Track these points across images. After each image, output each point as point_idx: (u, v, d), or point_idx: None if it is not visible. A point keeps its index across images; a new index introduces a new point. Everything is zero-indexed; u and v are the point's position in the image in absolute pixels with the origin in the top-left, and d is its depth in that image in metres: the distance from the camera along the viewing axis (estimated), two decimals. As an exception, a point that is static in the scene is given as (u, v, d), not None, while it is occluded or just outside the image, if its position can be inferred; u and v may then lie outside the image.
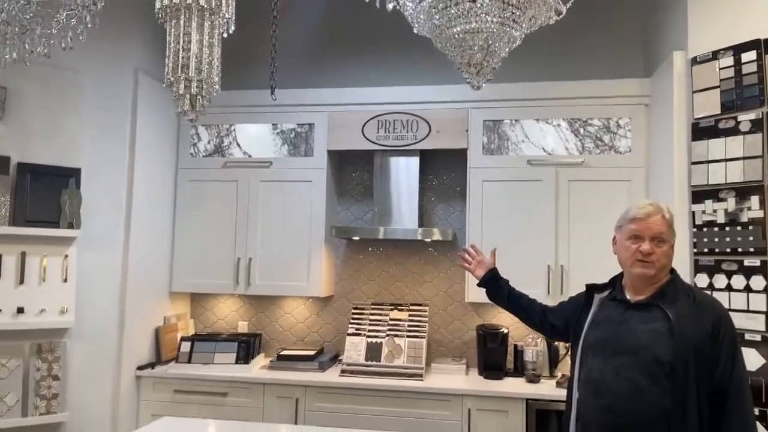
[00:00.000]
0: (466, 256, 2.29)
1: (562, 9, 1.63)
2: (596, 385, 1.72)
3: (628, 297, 1.78)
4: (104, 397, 2.95)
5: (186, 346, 3.26)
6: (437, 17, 1.55)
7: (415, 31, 1.75)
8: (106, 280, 3.01)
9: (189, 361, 3.22)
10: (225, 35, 1.89)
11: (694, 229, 2.52)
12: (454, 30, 1.54)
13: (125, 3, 3.01)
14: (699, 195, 2.51)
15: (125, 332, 3.04)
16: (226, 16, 1.85)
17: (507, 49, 1.61)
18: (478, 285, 2.26)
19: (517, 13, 1.54)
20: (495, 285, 2.21)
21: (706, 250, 2.47)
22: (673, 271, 1.77)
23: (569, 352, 2.08)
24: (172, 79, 1.74)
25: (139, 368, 3.14)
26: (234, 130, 3.49)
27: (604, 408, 1.69)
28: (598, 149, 3.13)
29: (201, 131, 3.52)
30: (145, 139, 3.19)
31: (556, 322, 2.05)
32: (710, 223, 2.46)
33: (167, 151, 3.44)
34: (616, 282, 1.87)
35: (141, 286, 3.18)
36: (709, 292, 2.43)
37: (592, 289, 1.91)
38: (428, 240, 3.36)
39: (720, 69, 2.46)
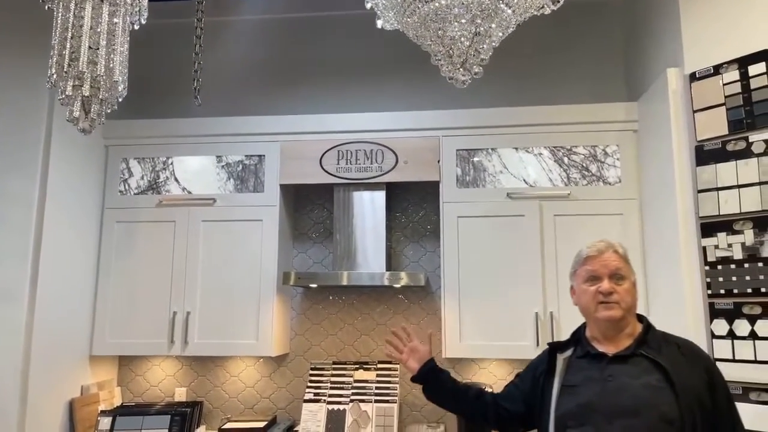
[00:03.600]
0: (395, 340, 1.88)
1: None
2: None
3: (602, 350, 1.56)
4: (-6, 494, 2.34)
5: (105, 423, 2.67)
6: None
7: (379, 24, 1.39)
8: (4, 344, 2.44)
9: (108, 442, 2.63)
10: (137, 26, 1.46)
11: (707, 268, 2.17)
12: (433, 5, 1.17)
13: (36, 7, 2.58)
14: (709, 227, 2.18)
15: (28, 408, 2.44)
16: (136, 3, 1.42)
17: (500, 34, 1.24)
18: (413, 380, 1.84)
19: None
20: (435, 379, 1.81)
21: (722, 291, 2.12)
22: (642, 317, 1.62)
23: None
24: (56, 76, 1.30)
25: (44, 454, 2.53)
26: (172, 163, 3.03)
27: None
28: (585, 180, 2.80)
29: (133, 165, 3.05)
30: (62, 173, 2.69)
31: (514, 408, 1.70)
32: (725, 260, 2.12)
33: (91, 188, 2.93)
34: (579, 336, 1.63)
35: (51, 350, 2.60)
36: (729, 341, 2.07)
37: (555, 348, 1.65)
38: (397, 285, 2.92)
39: (724, 85, 2.18)
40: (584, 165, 2.81)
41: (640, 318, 1.62)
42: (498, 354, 2.73)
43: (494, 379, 2.91)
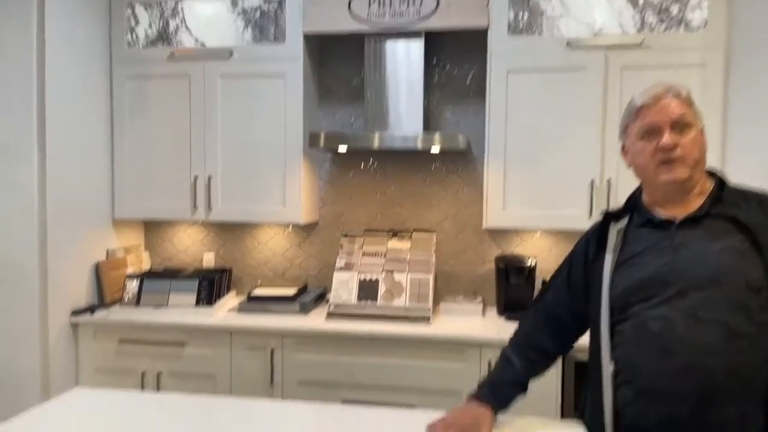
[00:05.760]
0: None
1: None
2: (659, 341, 1.18)
3: (667, 216, 1.29)
4: (30, 350, 2.34)
5: (133, 286, 2.61)
6: None
7: None
8: (18, 203, 2.32)
9: (137, 304, 2.59)
10: None
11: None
12: None
13: None
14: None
15: (50, 268, 2.37)
16: None
17: None
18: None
19: None
20: (505, 401, 1.43)
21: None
22: (713, 172, 1.33)
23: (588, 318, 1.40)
24: None
25: (75, 313, 2.51)
26: (181, 9, 2.68)
27: (679, 371, 1.15)
28: (663, 24, 2.35)
29: (139, 11, 2.71)
30: (60, 22, 2.39)
31: (578, 307, 1.40)
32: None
33: (95, 39, 2.64)
34: (635, 203, 1.34)
35: (69, 211, 2.49)
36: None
37: (609, 218, 1.37)
38: (435, 151, 2.65)
39: None
40: (664, 6, 2.34)
41: (711, 173, 1.32)
42: (545, 224, 2.49)
43: (536, 251, 2.71)
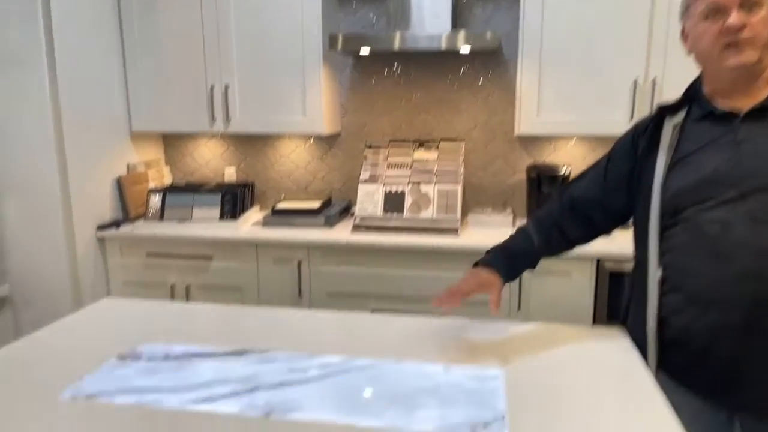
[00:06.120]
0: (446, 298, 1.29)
1: None
2: (715, 246, 1.08)
3: (729, 108, 1.15)
4: (59, 266, 2.35)
5: (156, 201, 2.58)
6: None
7: None
8: (31, 112, 2.25)
9: (161, 219, 2.57)
10: None
11: None
12: None
13: None
14: None
15: (71, 182, 2.34)
16: None
17: None
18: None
19: None
20: (514, 270, 1.35)
21: None
22: None
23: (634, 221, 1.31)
24: None
25: (100, 228, 2.50)
26: None
27: (736, 276, 1.06)
28: None
29: None
30: None
31: (611, 203, 1.31)
32: None
33: (95, -66, 2.44)
34: (695, 94, 1.23)
35: (86, 123, 2.41)
36: None
37: (664, 112, 1.24)
38: (463, 52, 2.46)
39: None
40: None
41: None
42: (581, 130, 2.34)
43: (570, 159, 2.58)
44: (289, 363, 1.16)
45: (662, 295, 1.18)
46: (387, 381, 1.09)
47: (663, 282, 1.18)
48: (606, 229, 1.38)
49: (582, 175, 1.38)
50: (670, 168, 1.18)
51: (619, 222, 1.36)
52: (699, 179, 1.13)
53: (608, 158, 1.33)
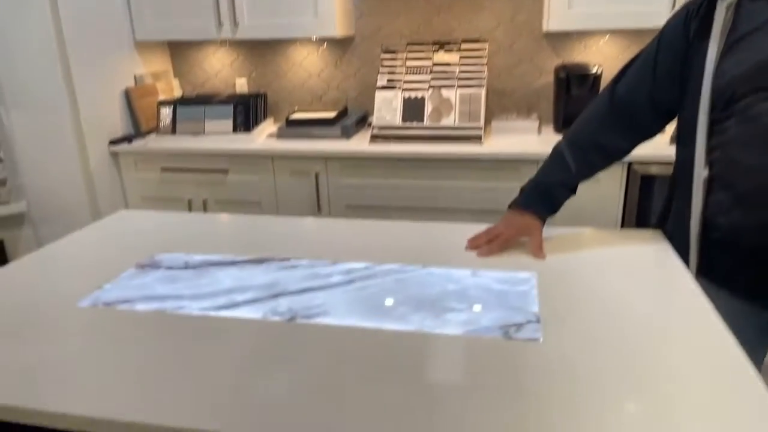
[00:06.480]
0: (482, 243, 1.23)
1: None
2: None
3: None
4: (75, 181, 2.32)
5: (166, 114, 2.49)
6: None
7: None
8: (28, 22, 2.12)
9: (173, 132, 2.49)
10: None
11: None
12: None
13: None
14: None
15: (78, 94, 2.25)
16: None
17: None
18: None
19: None
20: (553, 206, 1.25)
21: None
22: None
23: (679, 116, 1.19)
24: None
25: (112, 142, 2.44)
26: None
27: None
28: None
29: None
30: None
31: (661, 97, 1.16)
32: None
33: None
34: None
35: (88, 31, 2.29)
36: None
37: None
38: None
39: None
40: None
41: None
42: (617, 23, 2.15)
43: (603, 58, 2.40)
44: (311, 269, 1.12)
45: (708, 195, 1.09)
46: (413, 286, 1.05)
47: (710, 181, 1.09)
48: (652, 132, 1.25)
49: (625, 71, 1.23)
50: (724, 53, 1.05)
51: (666, 121, 1.23)
52: (756, 64, 1.01)
53: (657, 46, 1.19)
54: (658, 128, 1.24)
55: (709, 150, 1.08)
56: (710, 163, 1.08)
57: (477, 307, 0.96)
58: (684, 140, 1.16)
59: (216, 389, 0.76)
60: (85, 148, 2.31)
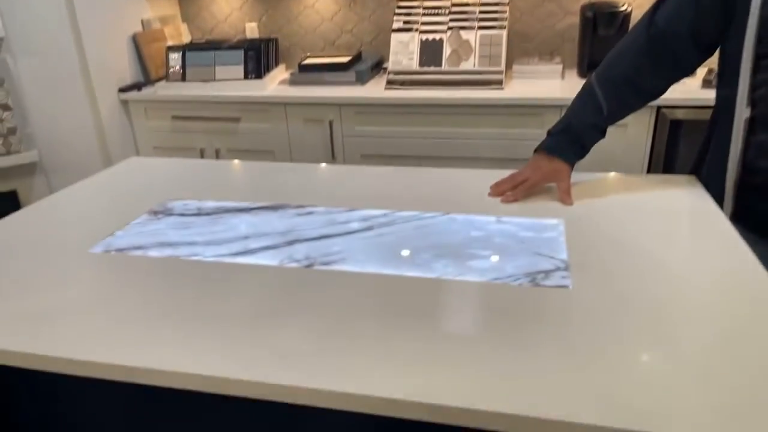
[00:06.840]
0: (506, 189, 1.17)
1: None
2: None
3: None
4: (84, 128, 2.28)
5: (175, 59, 2.42)
6: None
7: None
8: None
9: (183, 79, 2.42)
10: None
11: None
12: None
13: None
14: None
15: (85, 39, 2.18)
16: None
17: None
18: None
19: None
20: (582, 150, 1.18)
21: None
22: None
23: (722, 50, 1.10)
24: None
25: (122, 90, 2.38)
26: None
27: None
28: None
29: None
30: None
31: (702, 29, 1.06)
32: None
33: None
34: None
35: (90, -26, 2.20)
36: None
37: None
38: None
39: None
40: None
41: None
42: (650, -43, 2.01)
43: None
44: (328, 216, 1.08)
45: (749, 136, 1.02)
46: (435, 233, 1.00)
47: (752, 121, 1.01)
48: (692, 67, 1.16)
49: (659, 3, 1.14)
50: None
51: (707, 56, 1.13)
52: None
53: None
54: (698, 63, 1.15)
55: (753, 87, 1.00)
56: (753, 101, 1.00)
57: (502, 255, 0.92)
58: (726, 77, 1.08)
59: (232, 336, 0.73)
60: (95, 96, 2.25)
